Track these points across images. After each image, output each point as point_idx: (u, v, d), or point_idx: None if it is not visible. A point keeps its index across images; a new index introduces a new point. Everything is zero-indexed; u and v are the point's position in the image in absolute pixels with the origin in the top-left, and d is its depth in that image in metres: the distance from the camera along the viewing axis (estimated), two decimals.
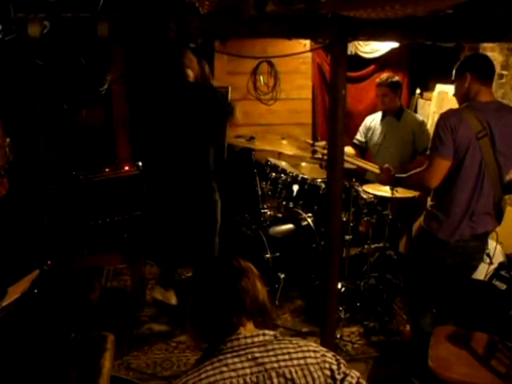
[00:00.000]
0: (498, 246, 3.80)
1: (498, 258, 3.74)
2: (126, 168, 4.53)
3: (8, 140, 2.88)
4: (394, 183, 3.27)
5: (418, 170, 2.86)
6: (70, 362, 2.33)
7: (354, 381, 1.38)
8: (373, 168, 3.67)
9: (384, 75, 4.33)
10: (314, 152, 4.01)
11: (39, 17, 2.43)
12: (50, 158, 4.52)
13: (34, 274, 2.66)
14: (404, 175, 3.02)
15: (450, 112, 2.76)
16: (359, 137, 4.51)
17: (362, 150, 4.49)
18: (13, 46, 2.51)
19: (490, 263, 3.27)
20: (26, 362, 2.33)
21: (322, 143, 4.04)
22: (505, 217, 3.06)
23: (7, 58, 3.77)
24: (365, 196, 3.92)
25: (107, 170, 4.61)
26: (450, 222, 2.80)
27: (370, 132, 4.44)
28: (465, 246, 2.84)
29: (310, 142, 4.20)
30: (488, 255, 3.18)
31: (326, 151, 3.98)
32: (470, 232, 2.82)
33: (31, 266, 2.74)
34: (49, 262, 2.72)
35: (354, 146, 4.51)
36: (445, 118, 2.70)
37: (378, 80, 4.32)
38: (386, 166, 3.26)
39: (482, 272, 3.48)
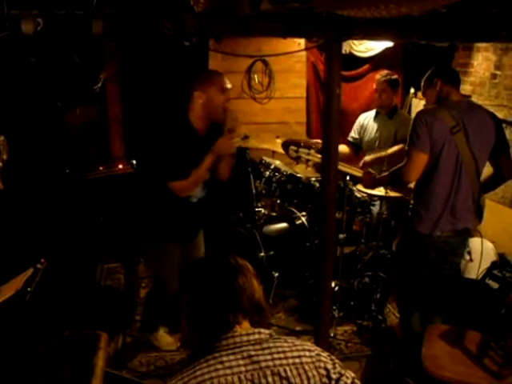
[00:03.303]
0: (491, 245, 3.84)
1: (491, 257, 3.76)
2: (120, 166, 4.53)
3: (2, 138, 2.86)
4: (375, 185, 3.40)
5: (397, 166, 2.97)
6: (63, 361, 2.32)
7: (349, 381, 1.38)
8: (355, 172, 3.69)
9: (384, 71, 4.35)
10: (298, 158, 3.96)
11: (33, 14, 2.42)
12: (43, 156, 4.51)
13: (27, 273, 2.64)
14: (384, 174, 3.12)
15: (425, 109, 2.95)
16: (353, 134, 4.51)
17: (357, 148, 4.49)
18: (6, 43, 2.50)
19: (470, 260, 3.37)
20: (18, 360, 2.32)
21: (306, 150, 4.02)
22: (497, 217, 3.10)
23: (0, 55, 3.75)
24: (359, 195, 3.93)
25: (101, 168, 4.61)
26: (430, 217, 2.90)
27: (363, 129, 4.45)
28: (446, 241, 2.92)
29: (295, 148, 4.19)
30: (469, 253, 3.26)
31: (310, 157, 3.98)
32: (451, 228, 2.91)
33: (25, 265, 2.73)
34: (42, 261, 2.70)
35: (349, 143, 4.51)
36: (420, 114, 2.87)
37: (377, 75, 4.34)
38: (368, 169, 3.36)
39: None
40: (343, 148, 4.36)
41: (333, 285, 3.64)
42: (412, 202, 3.05)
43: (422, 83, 3.05)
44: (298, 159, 3.94)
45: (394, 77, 4.26)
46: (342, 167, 3.83)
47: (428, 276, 3.00)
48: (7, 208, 3.77)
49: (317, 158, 3.76)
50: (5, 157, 2.90)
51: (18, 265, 2.80)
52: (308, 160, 3.94)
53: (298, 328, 3.79)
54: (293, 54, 4.93)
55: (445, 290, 3.11)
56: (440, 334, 2.72)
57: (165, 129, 2.94)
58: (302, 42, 4.84)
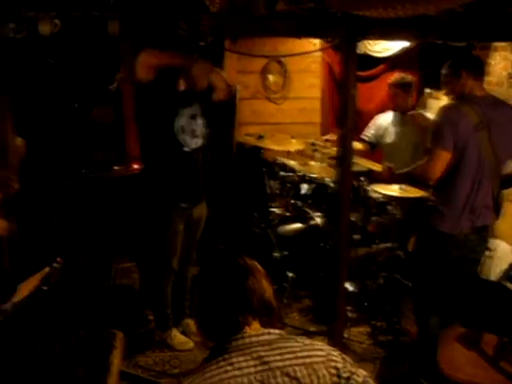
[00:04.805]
0: (509, 247, 3.79)
1: (509, 258, 3.72)
2: (136, 166, 4.55)
3: (20, 139, 2.91)
4: (394, 180, 3.39)
5: (419, 163, 2.93)
6: (78, 360, 2.34)
7: (360, 379, 1.37)
8: (374, 166, 3.66)
9: (397, 75, 4.31)
10: (315, 151, 4.04)
11: (50, 15, 2.45)
12: (59, 157, 4.54)
13: (43, 272, 2.67)
14: (405, 170, 3.08)
15: (449, 106, 2.89)
16: (368, 133, 4.45)
17: (372, 146, 4.45)
18: (24, 44, 2.53)
19: (490, 256, 3.34)
20: (34, 359, 2.35)
21: (321, 142, 4.06)
22: None
23: (18, 56, 3.79)
24: (374, 195, 3.90)
25: (117, 168, 4.64)
26: (451, 215, 2.87)
27: (381, 131, 4.39)
28: (466, 239, 2.89)
29: (310, 141, 4.23)
30: (487, 248, 3.21)
31: (325, 150, 4.01)
32: (470, 225, 2.88)
33: (41, 264, 2.75)
34: (58, 260, 2.73)
35: (363, 141, 4.47)
36: (444, 111, 2.81)
37: (389, 80, 4.31)
38: (387, 164, 3.33)
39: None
40: (357, 144, 4.32)
41: (347, 285, 3.62)
42: (432, 199, 3.00)
43: (445, 71, 2.94)
44: (314, 152, 3.98)
45: (406, 80, 4.22)
46: (361, 161, 3.82)
47: (447, 275, 2.97)
48: (24, 208, 3.81)
49: (333, 150, 3.76)
50: (23, 157, 2.95)
51: (34, 264, 2.83)
52: (323, 153, 3.97)
53: (312, 329, 3.78)
54: (308, 55, 4.92)
55: (464, 289, 3.07)
56: (456, 336, 2.69)
57: None
58: (317, 42, 4.83)
